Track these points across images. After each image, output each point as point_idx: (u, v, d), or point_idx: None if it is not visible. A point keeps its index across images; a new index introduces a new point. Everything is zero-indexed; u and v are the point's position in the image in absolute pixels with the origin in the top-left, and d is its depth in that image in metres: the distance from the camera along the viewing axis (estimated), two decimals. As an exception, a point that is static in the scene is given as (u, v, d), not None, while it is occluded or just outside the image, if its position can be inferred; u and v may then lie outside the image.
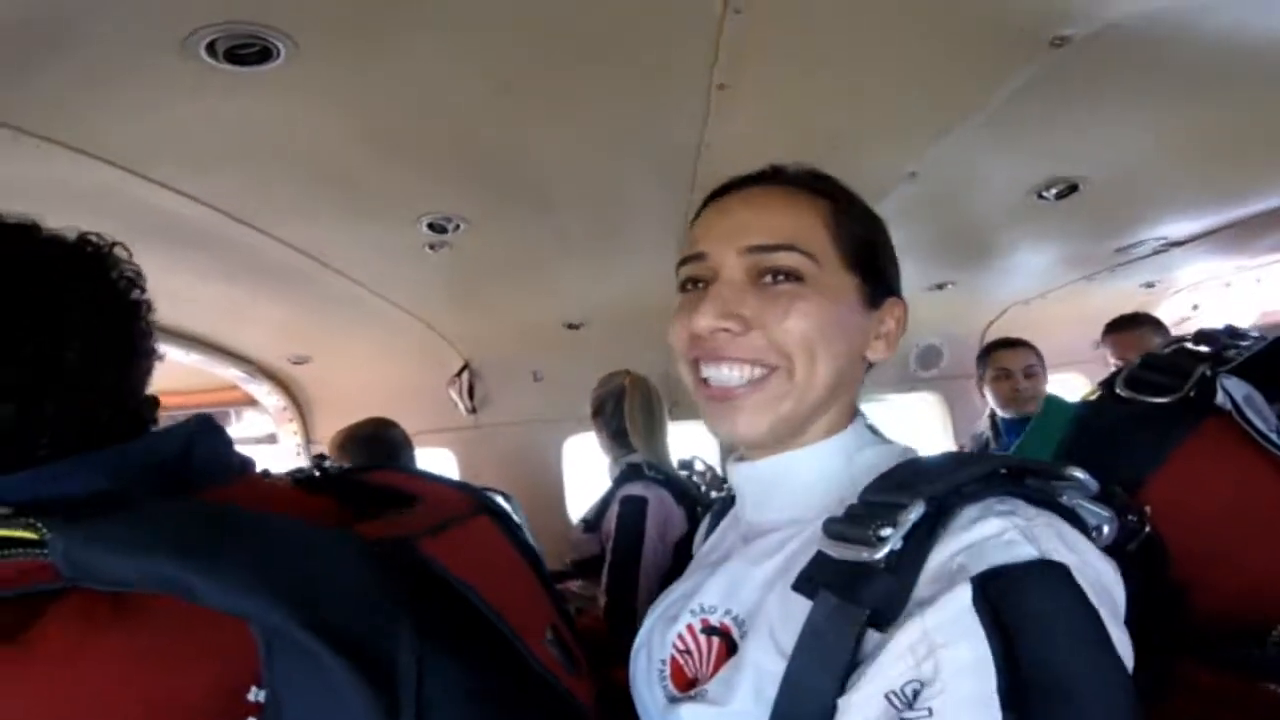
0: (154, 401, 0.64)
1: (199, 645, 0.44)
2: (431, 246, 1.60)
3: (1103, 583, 0.46)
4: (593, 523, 2.09)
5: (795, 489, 0.62)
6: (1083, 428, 0.79)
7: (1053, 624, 0.42)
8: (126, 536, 0.43)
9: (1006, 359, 2.29)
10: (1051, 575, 0.43)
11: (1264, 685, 0.58)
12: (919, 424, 3.15)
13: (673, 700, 0.59)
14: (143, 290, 0.63)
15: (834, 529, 0.52)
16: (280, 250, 1.55)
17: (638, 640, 0.68)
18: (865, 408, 0.68)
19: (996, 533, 0.46)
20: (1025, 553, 0.44)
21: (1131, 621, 0.46)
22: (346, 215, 1.44)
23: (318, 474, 0.74)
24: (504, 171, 1.35)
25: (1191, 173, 1.52)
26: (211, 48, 0.82)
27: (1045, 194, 1.52)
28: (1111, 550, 0.50)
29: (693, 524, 2.02)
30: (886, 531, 0.47)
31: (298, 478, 0.72)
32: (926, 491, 0.49)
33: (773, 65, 1.06)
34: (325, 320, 2.18)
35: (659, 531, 1.95)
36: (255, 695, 0.43)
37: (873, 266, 0.64)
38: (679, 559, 1.88)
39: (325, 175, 1.26)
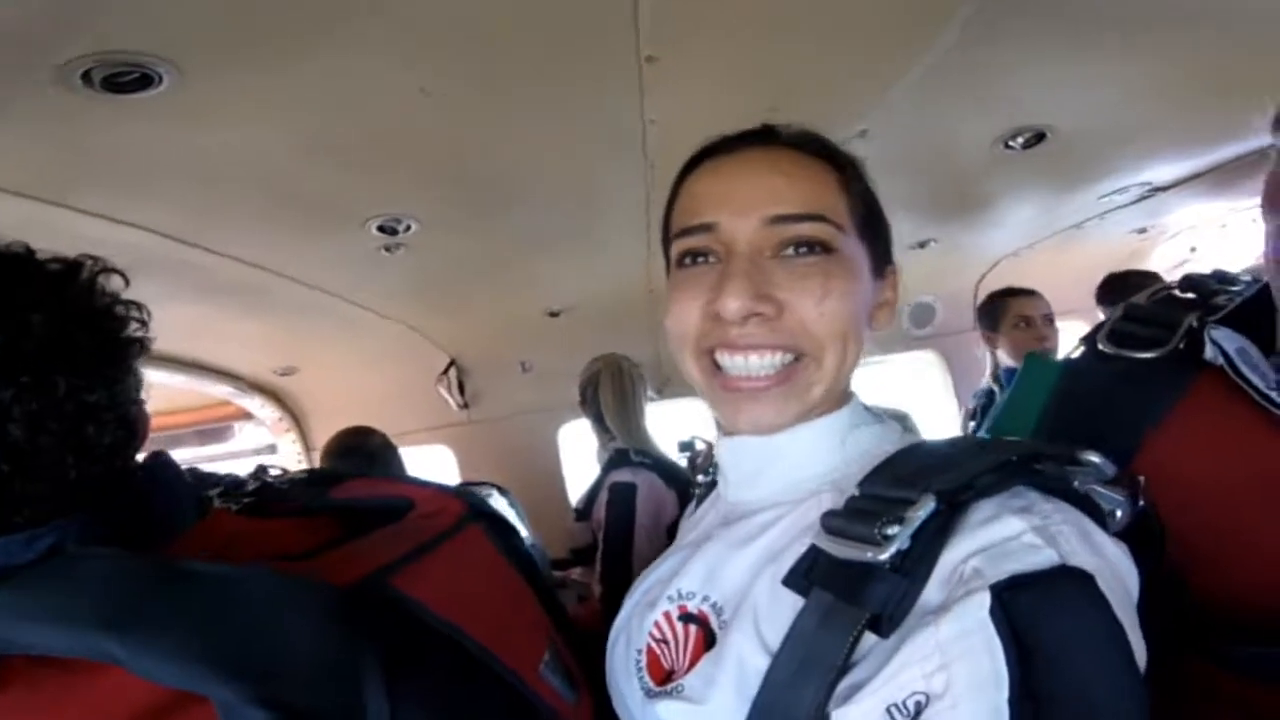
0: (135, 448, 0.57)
1: (158, 717, 0.40)
2: (386, 249, 1.58)
3: (1123, 583, 0.43)
4: (584, 511, 2.09)
5: (785, 467, 0.58)
6: (1066, 392, 0.73)
7: (1075, 642, 0.39)
8: (42, 603, 0.41)
9: (1026, 306, 2.16)
10: (1074, 587, 0.40)
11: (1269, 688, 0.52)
12: (918, 383, 3.10)
13: (650, 694, 0.56)
14: (144, 324, 0.56)
15: (834, 524, 0.48)
16: (235, 266, 1.54)
17: (615, 626, 0.65)
18: (866, 370, 0.64)
19: (1014, 534, 0.43)
20: (1045, 558, 0.41)
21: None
22: (292, 226, 1.42)
23: (269, 486, 0.70)
24: (445, 169, 1.32)
25: (1164, 115, 1.44)
26: (87, 77, 0.80)
27: (1012, 144, 1.46)
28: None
29: (685, 507, 2.00)
30: (893, 530, 0.44)
31: (245, 502, 0.68)
32: (935, 485, 0.45)
33: (698, 32, 1.01)
34: (303, 330, 2.18)
35: (651, 516, 1.94)
36: None
37: (878, 232, 0.60)
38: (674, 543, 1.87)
39: (260, 190, 1.24)
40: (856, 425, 0.59)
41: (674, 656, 0.56)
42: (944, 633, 0.40)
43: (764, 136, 0.60)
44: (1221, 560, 0.57)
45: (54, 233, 1.15)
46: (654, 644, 0.58)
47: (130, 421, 0.56)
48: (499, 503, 2.02)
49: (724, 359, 0.57)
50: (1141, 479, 0.49)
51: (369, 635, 0.45)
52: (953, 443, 0.55)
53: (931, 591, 0.43)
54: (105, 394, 0.53)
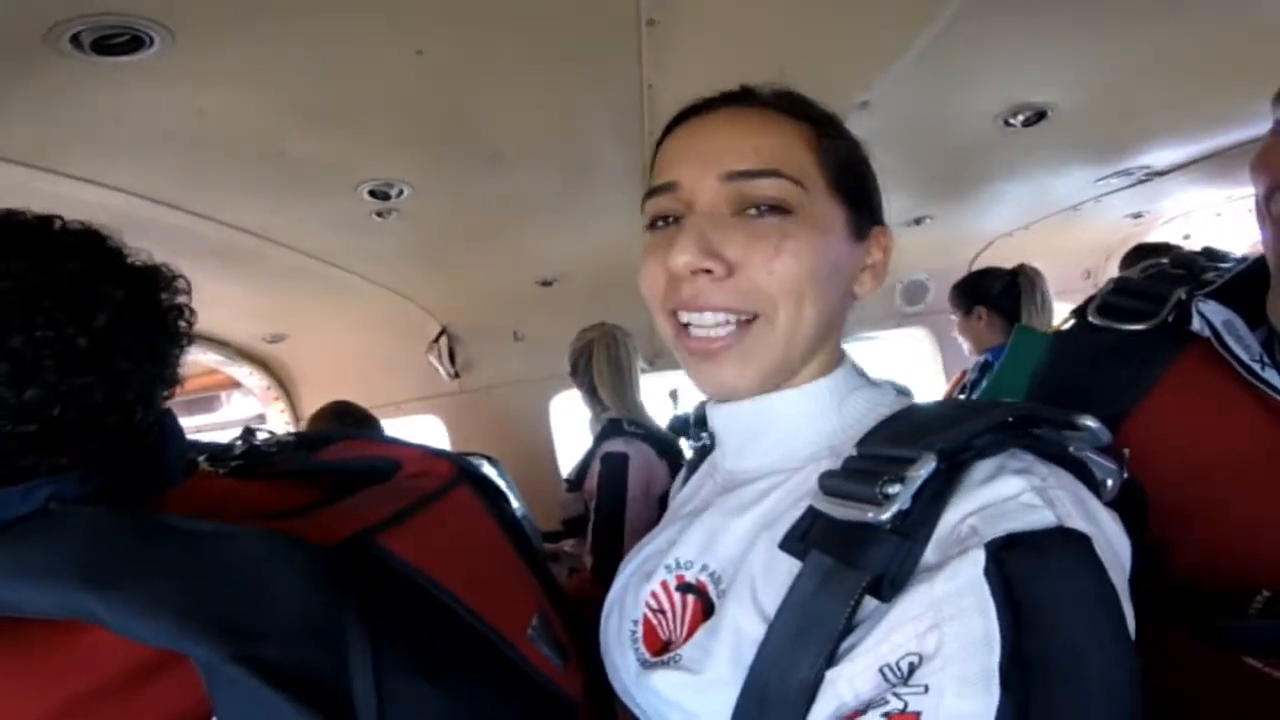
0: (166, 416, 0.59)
1: (145, 676, 0.40)
2: (378, 214, 1.56)
3: (1116, 551, 0.43)
4: (576, 481, 2.10)
5: (781, 434, 0.58)
6: (1054, 361, 0.73)
7: (1069, 603, 0.38)
8: (23, 562, 0.40)
9: None
10: (1071, 548, 0.40)
11: (1244, 660, 0.52)
12: (909, 360, 3.13)
13: (645, 665, 0.55)
14: (189, 324, 0.61)
15: (832, 485, 0.48)
16: (225, 231, 1.51)
17: (609, 598, 0.65)
18: (855, 347, 0.63)
19: (1014, 493, 0.42)
20: (1043, 518, 0.40)
21: None
22: (283, 190, 1.39)
23: (255, 450, 0.69)
24: (440, 133, 1.29)
25: (1167, 98, 1.43)
26: (77, 40, 0.78)
27: (1012, 121, 1.45)
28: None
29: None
30: (894, 489, 0.43)
31: (233, 465, 0.67)
32: (936, 444, 0.44)
33: (699, -5, 0.99)
34: (292, 296, 2.15)
35: (642, 487, 1.95)
36: None
37: (859, 193, 0.59)
38: (665, 514, 1.88)
39: (251, 153, 1.21)
40: (852, 389, 0.59)
41: (671, 627, 0.56)
42: (938, 590, 0.39)
43: (741, 98, 0.59)
44: (1202, 532, 0.57)
45: (39, 198, 1.12)
46: (650, 614, 0.57)
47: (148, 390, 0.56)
48: (489, 474, 2.03)
49: (685, 316, 0.57)
50: (1126, 451, 0.49)
51: (354, 594, 0.45)
52: (948, 403, 0.55)
53: (931, 553, 0.42)
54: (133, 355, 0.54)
